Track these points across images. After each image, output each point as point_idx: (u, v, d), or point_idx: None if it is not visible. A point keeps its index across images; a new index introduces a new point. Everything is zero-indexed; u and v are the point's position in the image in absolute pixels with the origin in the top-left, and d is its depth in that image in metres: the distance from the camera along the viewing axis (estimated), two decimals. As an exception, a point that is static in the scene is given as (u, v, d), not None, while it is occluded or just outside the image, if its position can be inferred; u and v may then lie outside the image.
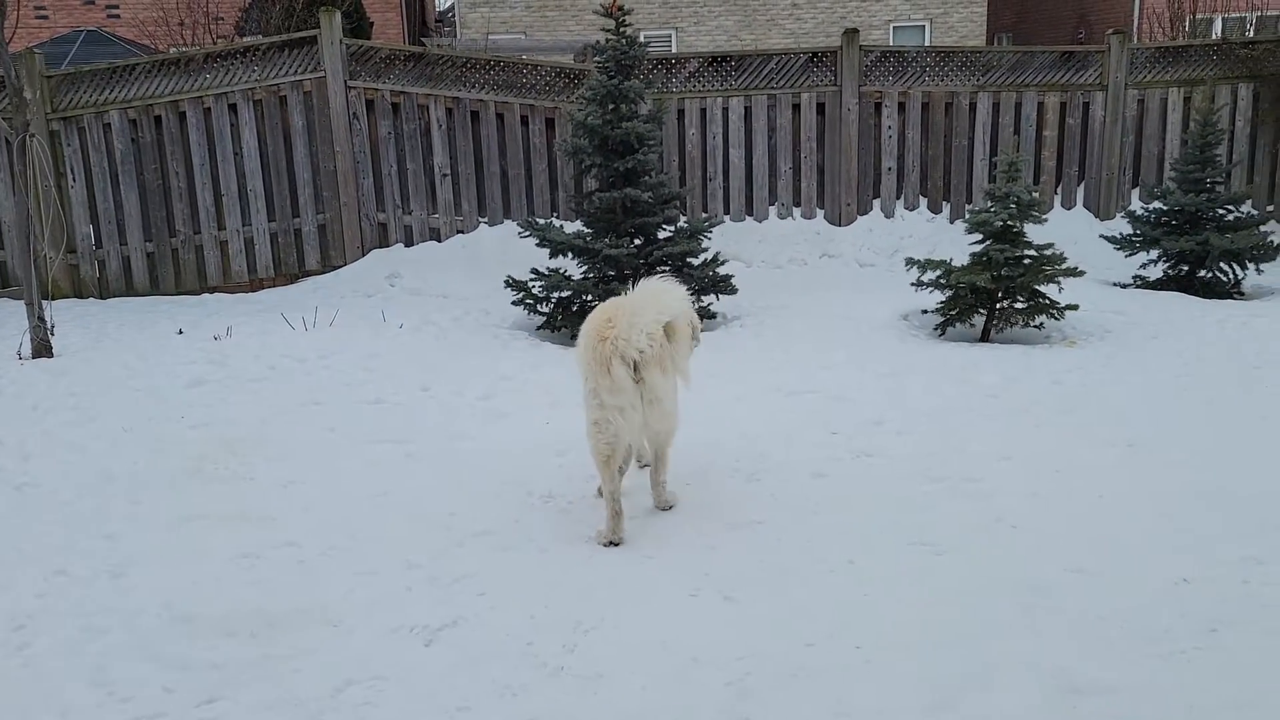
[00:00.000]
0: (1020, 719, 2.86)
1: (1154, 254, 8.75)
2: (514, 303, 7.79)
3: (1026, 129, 10.33)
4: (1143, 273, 8.86)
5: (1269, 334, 6.92)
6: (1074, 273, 7.13)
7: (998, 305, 7.31)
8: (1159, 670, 3.05)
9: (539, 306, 7.77)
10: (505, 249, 9.14)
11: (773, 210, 10.32)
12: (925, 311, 7.63)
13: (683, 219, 8.33)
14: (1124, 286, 8.75)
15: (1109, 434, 5.12)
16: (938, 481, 4.59)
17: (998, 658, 3.13)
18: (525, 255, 8.24)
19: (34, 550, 4.08)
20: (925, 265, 7.31)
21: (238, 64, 9.43)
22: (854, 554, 3.88)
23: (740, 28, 19.84)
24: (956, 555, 3.87)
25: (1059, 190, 10.50)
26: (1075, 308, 7.16)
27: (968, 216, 7.53)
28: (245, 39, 14.44)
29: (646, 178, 7.73)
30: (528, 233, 7.83)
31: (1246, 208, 9.02)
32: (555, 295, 7.71)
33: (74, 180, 9.42)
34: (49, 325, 7.02)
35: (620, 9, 7.70)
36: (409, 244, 9.76)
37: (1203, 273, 8.56)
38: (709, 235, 7.95)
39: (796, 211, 10.34)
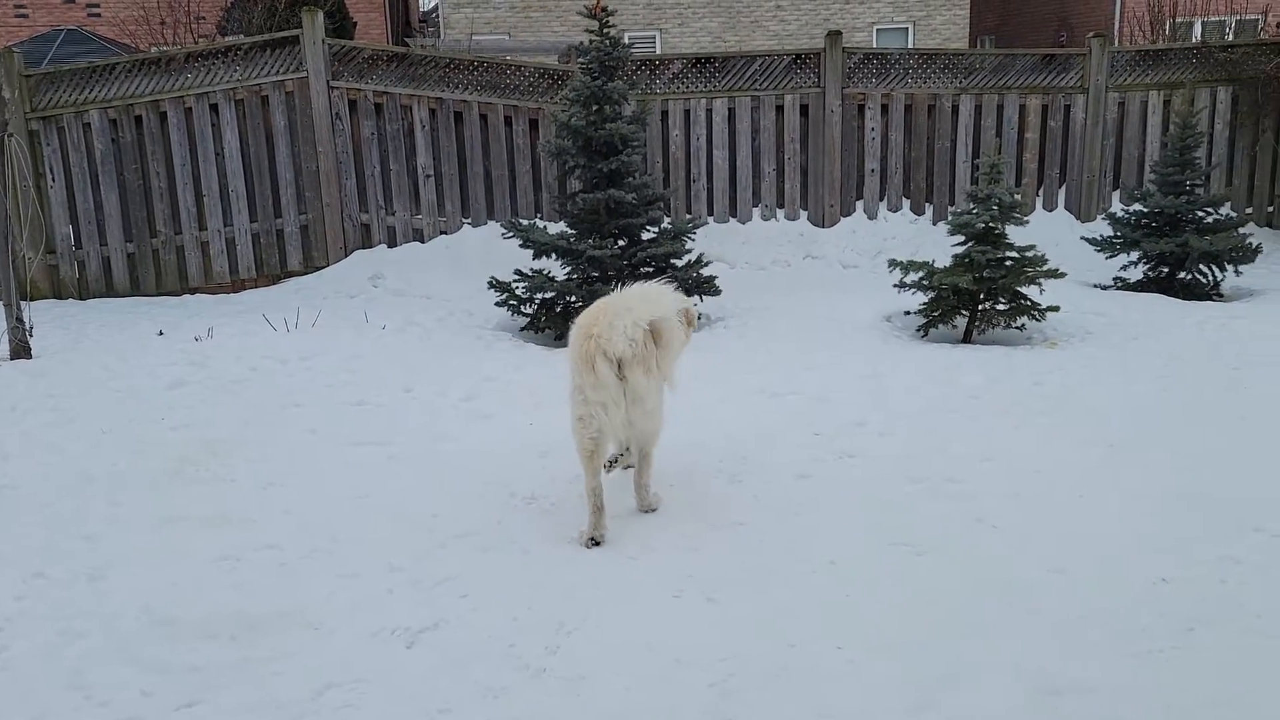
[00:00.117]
0: (1002, 719, 2.88)
1: (1134, 256, 8.81)
2: (498, 304, 7.78)
3: (1008, 131, 10.38)
4: (1123, 274, 8.92)
5: (1248, 335, 6.97)
6: (1055, 274, 7.17)
7: (980, 307, 7.35)
8: (1138, 670, 3.08)
9: (523, 307, 7.76)
10: (489, 250, 9.12)
11: (756, 212, 10.33)
12: (908, 313, 7.66)
13: (667, 220, 8.34)
14: (1105, 288, 8.80)
15: (1090, 435, 5.15)
16: (919, 482, 4.61)
17: (979, 658, 3.15)
18: (509, 256, 8.22)
19: (12, 552, 4.05)
20: (908, 267, 7.33)
21: (219, 64, 9.37)
22: (836, 555, 3.90)
23: (724, 29, 19.88)
24: (938, 556, 3.88)
25: (1040, 192, 10.56)
26: (1056, 309, 7.20)
27: (950, 218, 7.56)
28: (227, 38, 14.38)
29: (630, 179, 7.73)
30: (511, 234, 7.82)
31: (1225, 210, 9.08)
32: (539, 296, 7.71)
33: (53, 180, 9.34)
34: (28, 326, 6.96)
35: (604, 10, 7.70)
36: (392, 245, 9.73)
37: (1182, 274, 8.62)
38: (693, 236, 7.97)
39: (780, 213, 10.36)
